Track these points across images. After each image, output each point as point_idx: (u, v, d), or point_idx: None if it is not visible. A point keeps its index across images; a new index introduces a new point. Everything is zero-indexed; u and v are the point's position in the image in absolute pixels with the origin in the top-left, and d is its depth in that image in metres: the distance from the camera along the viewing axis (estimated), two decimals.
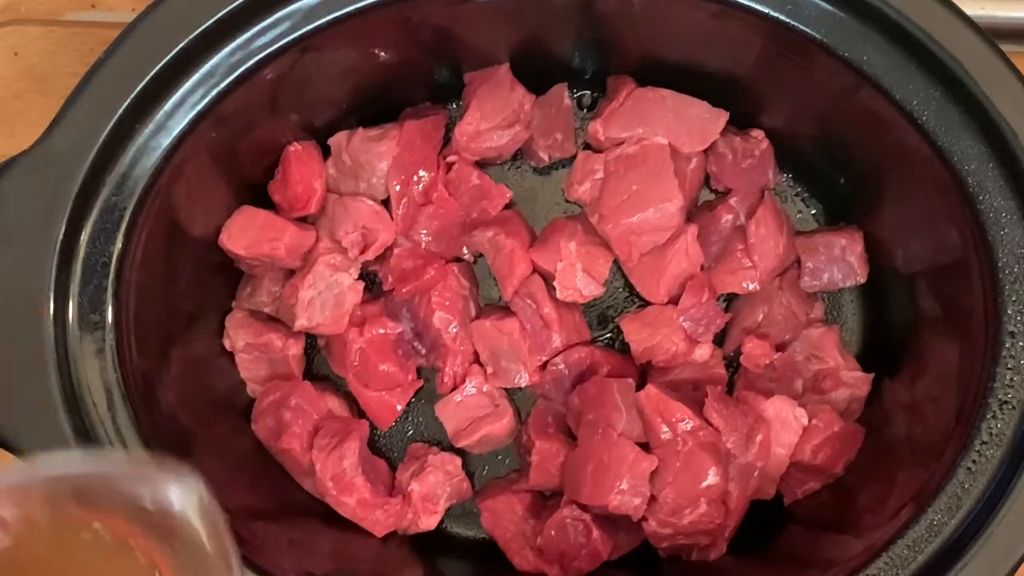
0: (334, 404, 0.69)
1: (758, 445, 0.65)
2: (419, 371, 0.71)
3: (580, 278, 0.68)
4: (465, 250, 0.71)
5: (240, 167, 0.67)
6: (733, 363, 0.71)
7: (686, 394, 0.67)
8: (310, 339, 0.71)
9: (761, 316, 0.69)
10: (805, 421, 0.66)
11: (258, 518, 0.63)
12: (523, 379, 0.69)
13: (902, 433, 0.65)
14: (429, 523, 0.69)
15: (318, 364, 0.72)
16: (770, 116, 0.70)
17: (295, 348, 0.70)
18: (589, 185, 0.69)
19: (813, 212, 0.72)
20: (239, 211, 0.67)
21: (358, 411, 0.71)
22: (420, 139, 0.69)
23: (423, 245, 0.70)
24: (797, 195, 0.72)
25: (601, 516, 0.66)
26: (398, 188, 0.69)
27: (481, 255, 0.71)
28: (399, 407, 0.70)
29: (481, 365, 0.70)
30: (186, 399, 0.64)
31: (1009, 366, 0.56)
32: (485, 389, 0.70)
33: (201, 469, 0.60)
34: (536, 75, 0.72)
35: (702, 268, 0.69)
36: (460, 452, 0.71)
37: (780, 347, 0.70)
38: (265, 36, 0.58)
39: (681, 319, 0.68)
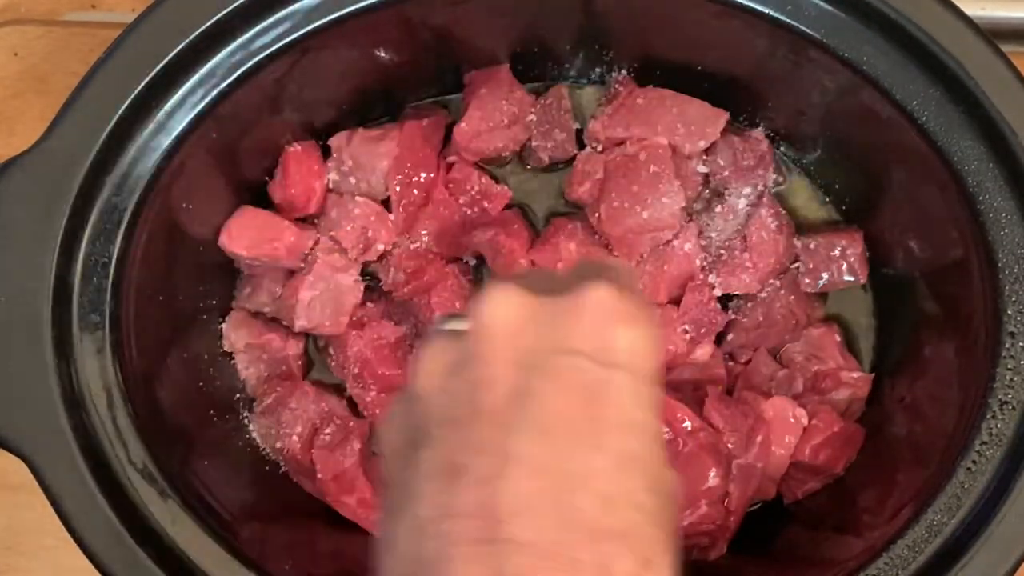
0: (334, 404, 0.69)
1: (758, 445, 0.65)
2: None
3: None
4: (465, 250, 0.71)
5: (240, 167, 0.67)
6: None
7: (686, 394, 0.67)
8: (310, 339, 0.71)
9: (761, 316, 0.69)
10: (805, 421, 0.66)
11: (258, 518, 0.63)
12: None
13: (902, 433, 0.65)
14: None
15: (318, 364, 0.72)
16: (770, 116, 0.70)
17: (295, 348, 0.70)
18: (589, 185, 0.69)
19: (821, 209, 0.72)
20: (239, 211, 0.67)
21: (358, 411, 0.71)
22: (420, 139, 0.69)
23: (423, 245, 0.70)
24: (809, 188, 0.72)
25: None
26: (398, 188, 0.69)
27: (481, 255, 0.71)
28: None
29: None
30: (186, 399, 0.64)
31: (1009, 366, 0.56)
32: None
33: (201, 469, 0.61)
34: (536, 75, 0.72)
35: (702, 268, 0.69)
36: None
37: (780, 347, 0.70)
38: (265, 36, 0.58)
39: (681, 319, 0.68)
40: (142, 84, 0.56)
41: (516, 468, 0.35)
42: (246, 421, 0.69)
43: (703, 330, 0.68)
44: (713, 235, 0.69)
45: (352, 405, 0.70)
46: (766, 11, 0.58)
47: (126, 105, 0.56)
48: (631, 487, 0.36)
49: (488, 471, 0.35)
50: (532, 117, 0.71)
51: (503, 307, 0.38)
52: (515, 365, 0.37)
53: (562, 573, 0.34)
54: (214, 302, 0.69)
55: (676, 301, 0.69)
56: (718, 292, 0.69)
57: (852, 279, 0.69)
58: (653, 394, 0.38)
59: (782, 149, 0.72)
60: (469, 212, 0.71)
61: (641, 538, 0.35)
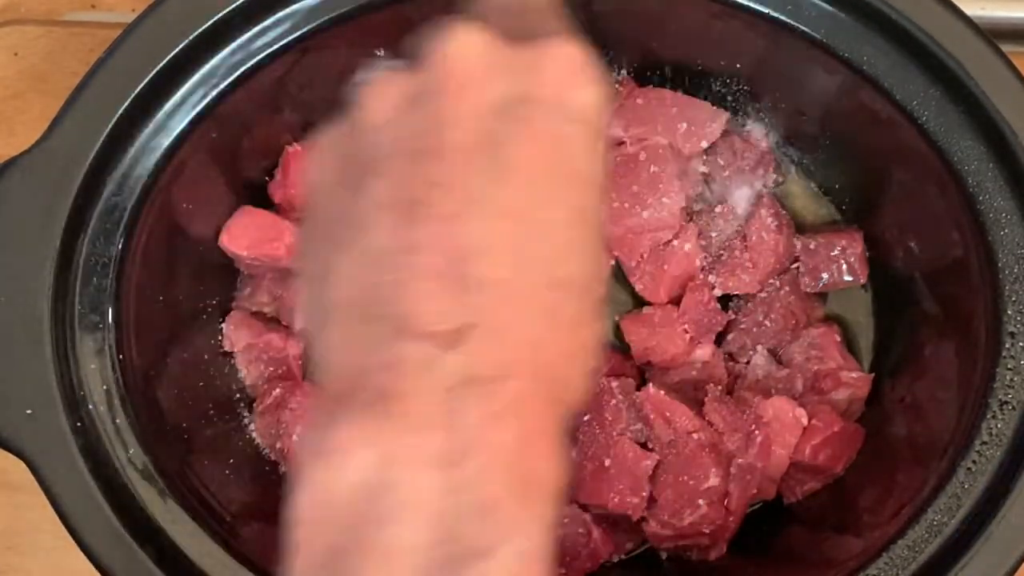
0: None
1: (758, 446, 0.65)
2: None
3: None
4: None
5: (240, 167, 0.67)
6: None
7: (686, 394, 0.67)
8: None
9: (761, 316, 0.69)
10: (805, 421, 0.66)
11: (258, 518, 0.63)
12: None
13: (902, 433, 0.65)
14: None
15: None
16: (771, 116, 0.70)
17: (295, 348, 0.70)
18: None
19: (821, 209, 0.72)
20: (239, 211, 0.67)
21: None
22: None
23: None
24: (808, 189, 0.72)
25: (601, 516, 0.66)
26: None
27: None
28: None
29: None
30: (186, 399, 0.64)
31: (1009, 366, 0.56)
32: None
33: (201, 469, 0.61)
34: None
35: (702, 268, 0.69)
36: None
37: (780, 347, 0.70)
38: (265, 36, 0.58)
39: (681, 319, 0.68)
40: (142, 84, 0.56)
41: (481, 208, 0.34)
42: (246, 421, 0.69)
43: (703, 330, 0.68)
44: (713, 235, 0.69)
45: None
46: (766, 11, 0.59)
47: (126, 105, 0.56)
48: (579, 239, 0.36)
49: (452, 208, 0.34)
50: None
51: (471, 45, 0.36)
52: (481, 107, 0.35)
53: (521, 310, 0.34)
54: (214, 302, 0.69)
55: (676, 301, 0.69)
56: (718, 292, 0.69)
57: (852, 279, 0.69)
58: (602, 152, 0.38)
59: (782, 149, 0.72)
60: None
61: (585, 289, 0.36)
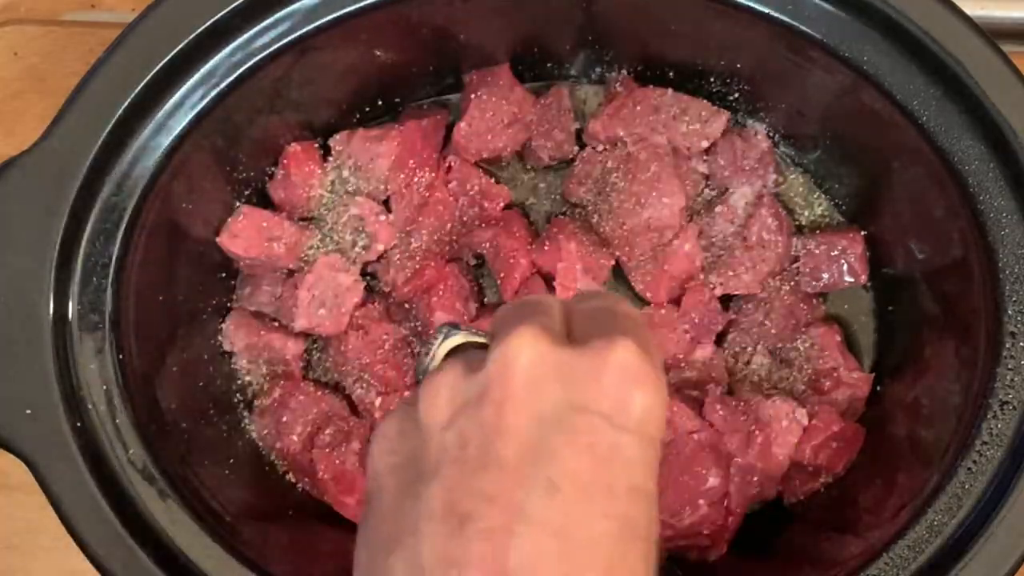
0: (334, 404, 0.69)
1: (758, 446, 0.65)
2: None
3: (580, 278, 0.68)
4: (465, 250, 0.71)
5: (240, 167, 0.67)
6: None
7: (686, 394, 0.67)
8: (310, 339, 0.71)
9: (761, 316, 0.69)
10: (805, 421, 0.66)
11: (258, 518, 0.63)
12: None
13: (903, 433, 0.65)
14: None
15: (318, 364, 0.72)
16: (770, 116, 0.70)
17: (295, 348, 0.70)
18: (589, 185, 0.69)
19: (821, 209, 0.72)
20: (239, 211, 0.67)
21: (358, 411, 0.71)
22: (420, 139, 0.69)
23: (423, 245, 0.70)
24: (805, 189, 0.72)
25: None
26: (398, 188, 0.69)
27: (481, 255, 0.71)
28: None
29: None
30: (186, 399, 0.64)
31: (1009, 366, 0.56)
32: None
33: (201, 469, 0.61)
34: (536, 75, 0.72)
35: (702, 268, 0.69)
36: None
37: (780, 347, 0.70)
38: (265, 36, 0.58)
39: (681, 320, 0.68)
40: (142, 84, 0.56)
41: (527, 526, 0.34)
42: (246, 421, 0.69)
43: (703, 330, 0.68)
44: (713, 235, 0.69)
45: (352, 405, 0.70)
46: (766, 11, 0.59)
47: (126, 105, 0.56)
48: (631, 555, 0.36)
49: (498, 524, 0.34)
50: (532, 117, 0.71)
51: (527, 353, 0.37)
52: (533, 418, 0.36)
53: None
54: (214, 302, 0.69)
55: (676, 301, 0.69)
56: (718, 292, 0.69)
57: (852, 280, 0.69)
58: (656, 461, 0.38)
59: (782, 149, 0.72)
60: (469, 212, 0.71)
61: None
